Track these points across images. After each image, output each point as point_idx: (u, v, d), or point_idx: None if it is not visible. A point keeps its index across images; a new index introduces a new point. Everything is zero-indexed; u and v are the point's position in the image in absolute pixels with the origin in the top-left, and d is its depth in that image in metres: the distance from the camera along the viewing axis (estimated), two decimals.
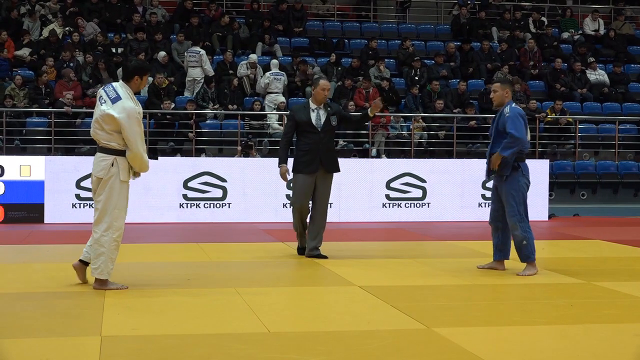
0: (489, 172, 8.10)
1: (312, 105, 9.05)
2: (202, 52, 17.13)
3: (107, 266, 6.92)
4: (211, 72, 17.03)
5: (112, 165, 6.82)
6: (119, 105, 6.77)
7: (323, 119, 9.00)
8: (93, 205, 7.14)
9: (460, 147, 16.49)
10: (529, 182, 8.07)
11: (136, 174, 7.03)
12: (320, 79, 9.31)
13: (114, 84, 7.04)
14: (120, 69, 16.55)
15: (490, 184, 13.87)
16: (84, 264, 7.21)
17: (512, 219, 7.93)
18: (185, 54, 17.25)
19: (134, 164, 6.87)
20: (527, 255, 7.98)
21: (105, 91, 6.93)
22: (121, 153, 6.85)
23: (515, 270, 8.10)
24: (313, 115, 9.00)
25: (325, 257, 9.04)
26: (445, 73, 18.24)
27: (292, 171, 9.11)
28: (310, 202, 9.12)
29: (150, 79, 16.49)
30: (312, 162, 8.96)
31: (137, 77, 6.94)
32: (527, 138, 7.96)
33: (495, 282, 7.67)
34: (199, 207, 13.45)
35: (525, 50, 19.43)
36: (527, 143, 7.98)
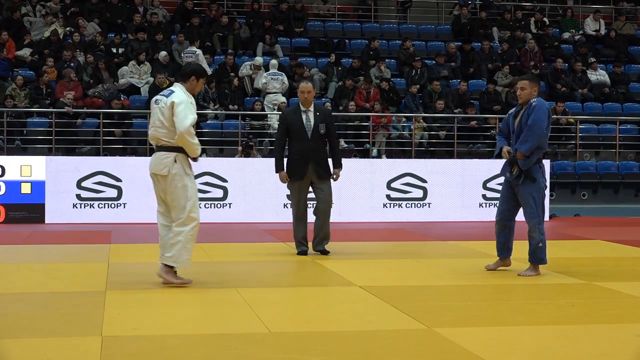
0: (511, 171, 7.90)
1: (302, 108, 9.28)
2: (199, 51, 17.15)
3: (181, 255, 7.05)
4: (208, 72, 17.03)
5: (175, 161, 7.03)
6: (174, 96, 7.04)
7: (312, 122, 9.21)
8: (158, 210, 7.25)
9: (461, 147, 16.48)
10: (546, 181, 8.05)
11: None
12: (301, 81, 9.57)
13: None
14: (121, 68, 16.76)
15: (491, 184, 13.97)
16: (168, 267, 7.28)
17: (532, 221, 7.86)
18: (182, 54, 17.22)
19: (183, 144, 6.99)
20: (540, 258, 7.95)
21: (159, 95, 7.25)
22: (181, 150, 7.05)
23: (516, 272, 8.08)
24: (304, 117, 9.22)
25: (328, 252, 9.30)
26: (446, 73, 18.22)
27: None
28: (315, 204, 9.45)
29: (151, 78, 16.53)
30: (302, 167, 9.22)
31: (194, 78, 7.19)
32: (545, 133, 7.79)
33: (496, 283, 7.66)
34: (200, 207, 13.41)
35: (525, 51, 19.41)
36: (545, 139, 7.84)
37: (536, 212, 7.86)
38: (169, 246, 7.05)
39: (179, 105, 6.92)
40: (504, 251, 8.20)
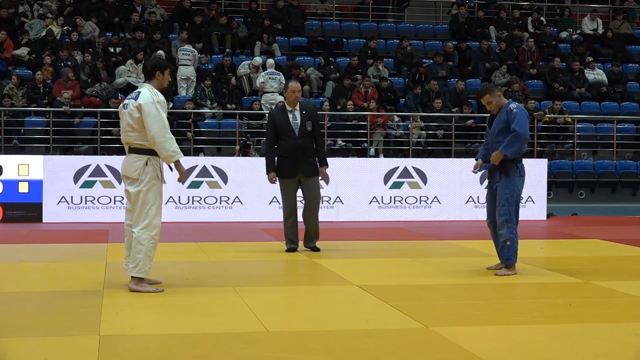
0: (487, 168, 7.99)
1: (288, 107, 9.46)
2: (195, 51, 17.20)
3: (145, 264, 6.87)
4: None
5: (146, 164, 6.87)
6: (140, 97, 6.87)
7: (299, 120, 9.37)
8: (125, 207, 7.15)
9: (458, 146, 16.49)
10: (523, 183, 8.02)
11: (179, 178, 7.03)
12: (290, 81, 9.72)
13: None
14: (119, 67, 16.76)
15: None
16: None
17: (501, 218, 7.86)
18: (178, 51, 17.20)
19: (155, 149, 6.81)
20: (508, 257, 7.92)
21: (127, 98, 7.09)
22: (154, 152, 6.88)
23: (520, 271, 8.05)
24: (290, 116, 9.40)
25: (318, 249, 9.46)
26: (444, 74, 18.23)
27: (277, 175, 9.49)
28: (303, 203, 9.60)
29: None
30: (290, 166, 9.40)
31: (159, 73, 7.02)
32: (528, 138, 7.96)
33: (494, 282, 7.66)
34: (198, 206, 13.43)
35: (523, 50, 19.43)
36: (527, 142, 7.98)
37: (507, 210, 7.85)
38: (133, 255, 6.88)
39: (145, 107, 6.75)
40: None
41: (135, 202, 6.89)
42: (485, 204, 8.31)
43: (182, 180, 7.11)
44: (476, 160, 8.23)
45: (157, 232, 6.91)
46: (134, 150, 6.92)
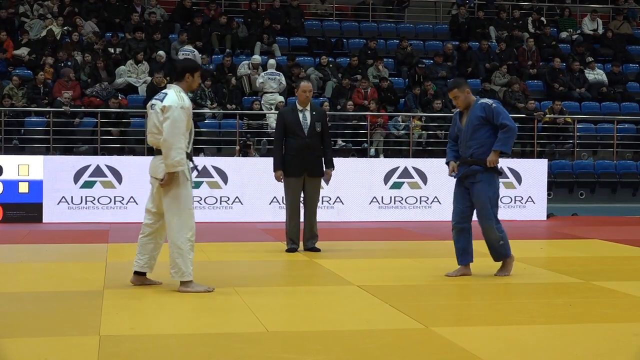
0: (467, 171, 7.65)
1: (299, 107, 9.47)
2: (196, 51, 17.22)
3: (187, 267, 6.80)
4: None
5: None
6: (165, 99, 6.78)
7: (309, 120, 9.40)
8: (146, 207, 7.14)
9: None
10: (499, 179, 7.81)
11: (162, 184, 6.85)
12: (302, 81, 9.73)
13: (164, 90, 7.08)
14: (119, 67, 16.76)
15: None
16: (140, 274, 7.15)
17: (487, 222, 7.63)
18: (178, 52, 17.23)
19: (162, 150, 6.71)
20: (504, 255, 7.78)
21: (155, 98, 6.98)
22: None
23: (520, 271, 8.03)
24: (300, 116, 9.42)
25: (318, 249, 9.44)
26: (444, 74, 18.22)
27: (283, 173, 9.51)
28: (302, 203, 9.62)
29: (149, 78, 16.52)
30: (298, 165, 9.41)
31: (189, 75, 6.92)
32: None
33: (494, 282, 7.66)
34: (198, 206, 13.43)
35: (523, 50, 19.43)
36: None
37: (491, 212, 7.63)
38: (172, 260, 6.82)
39: (169, 110, 6.68)
40: (465, 257, 7.82)
41: (167, 205, 6.83)
42: (454, 203, 7.85)
43: (162, 186, 6.86)
44: (447, 164, 7.89)
45: (192, 233, 6.84)
46: (161, 151, 6.80)
